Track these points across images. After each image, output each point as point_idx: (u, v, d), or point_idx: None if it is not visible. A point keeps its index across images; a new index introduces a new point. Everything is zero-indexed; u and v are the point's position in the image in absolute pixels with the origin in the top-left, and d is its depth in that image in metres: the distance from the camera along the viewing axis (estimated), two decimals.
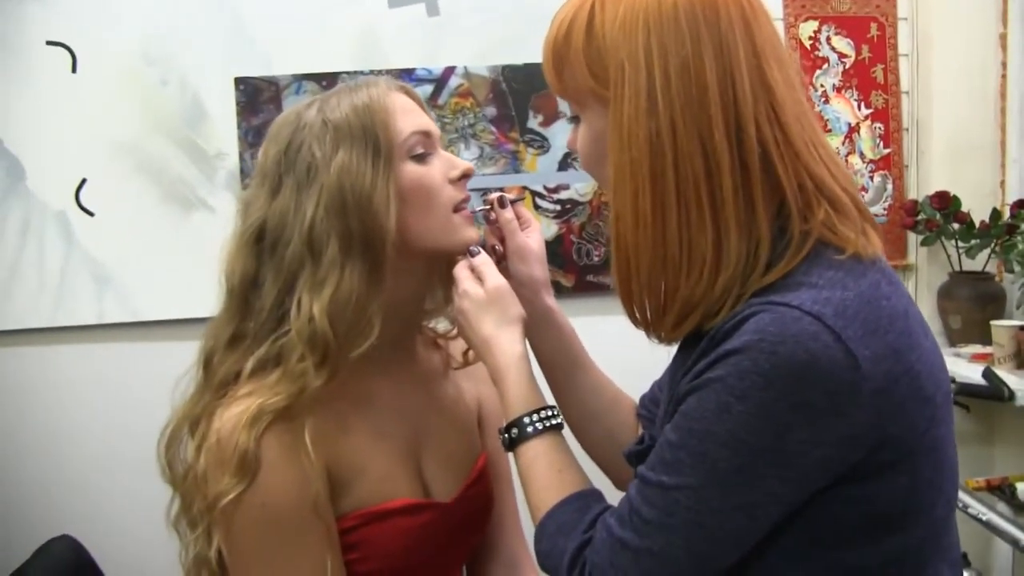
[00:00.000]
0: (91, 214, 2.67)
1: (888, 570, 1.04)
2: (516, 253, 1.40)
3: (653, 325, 1.13)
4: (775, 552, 1.04)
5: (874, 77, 2.98)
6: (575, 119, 1.19)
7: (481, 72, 2.80)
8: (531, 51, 2.77)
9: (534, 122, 2.83)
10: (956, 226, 2.83)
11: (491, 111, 2.82)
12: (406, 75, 2.73)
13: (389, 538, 1.33)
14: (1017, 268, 2.60)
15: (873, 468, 0.99)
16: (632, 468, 1.25)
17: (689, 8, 1.03)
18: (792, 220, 1.05)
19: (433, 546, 1.39)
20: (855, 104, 2.95)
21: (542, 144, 2.84)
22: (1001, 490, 2.36)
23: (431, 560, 1.40)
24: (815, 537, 1.03)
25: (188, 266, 2.67)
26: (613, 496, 1.24)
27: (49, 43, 2.64)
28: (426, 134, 1.36)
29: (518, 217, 1.43)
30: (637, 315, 1.14)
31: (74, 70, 2.65)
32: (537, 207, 2.83)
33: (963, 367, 2.59)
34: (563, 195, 2.84)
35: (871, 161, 2.96)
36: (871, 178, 2.96)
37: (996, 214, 2.79)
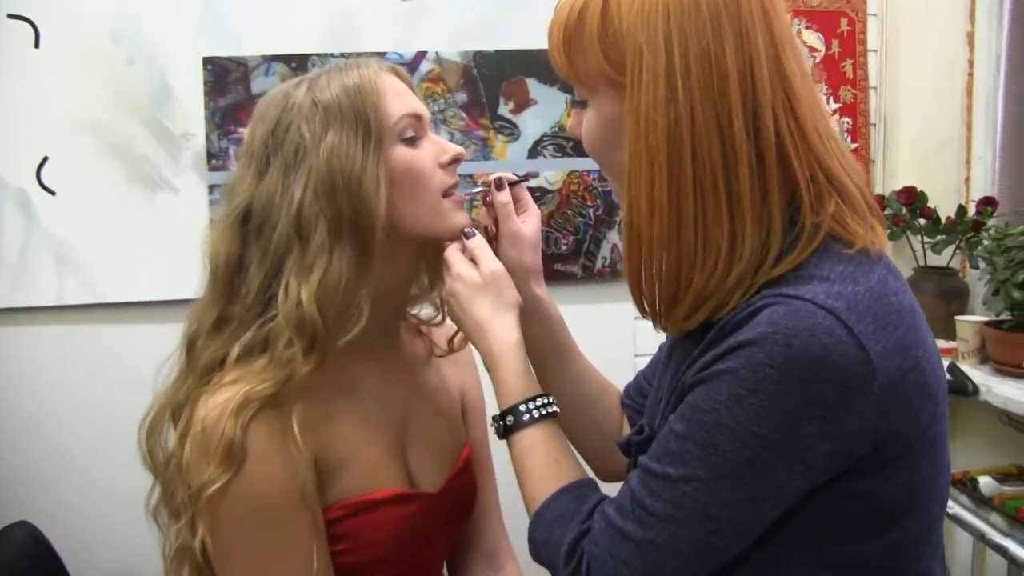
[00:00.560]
0: (52, 193, 2.61)
1: (884, 564, 1.04)
2: (507, 238, 1.37)
3: (664, 315, 1.11)
4: (775, 544, 1.03)
5: (843, 72, 2.99)
6: (581, 103, 1.17)
7: (452, 58, 2.78)
8: (503, 38, 2.78)
9: (505, 109, 2.81)
10: (922, 222, 2.85)
11: (462, 97, 2.79)
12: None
13: (376, 529, 1.31)
14: (982, 264, 2.62)
15: (877, 463, 0.99)
16: (627, 458, 1.24)
17: None
18: (802, 212, 1.04)
19: (420, 537, 1.37)
20: (824, 98, 2.96)
21: (512, 131, 2.82)
22: (963, 483, 2.38)
23: (417, 551, 1.38)
24: (815, 530, 1.03)
25: (152, 247, 2.66)
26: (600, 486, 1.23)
27: (11, 16, 2.57)
28: (417, 117, 1.33)
29: (518, 200, 1.41)
30: (647, 305, 1.12)
31: (37, 45, 2.58)
32: None
33: None
34: (532, 183, 2.82)
35: None
36: None
37: (962, 210, 2.81)
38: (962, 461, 2.52)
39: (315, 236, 1.25)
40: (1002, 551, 2.01)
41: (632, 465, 1.19)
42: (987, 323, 2.58)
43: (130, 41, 2.62)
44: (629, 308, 2.78)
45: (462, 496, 1.50)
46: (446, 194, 1.34)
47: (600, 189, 2.85)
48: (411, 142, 1.32)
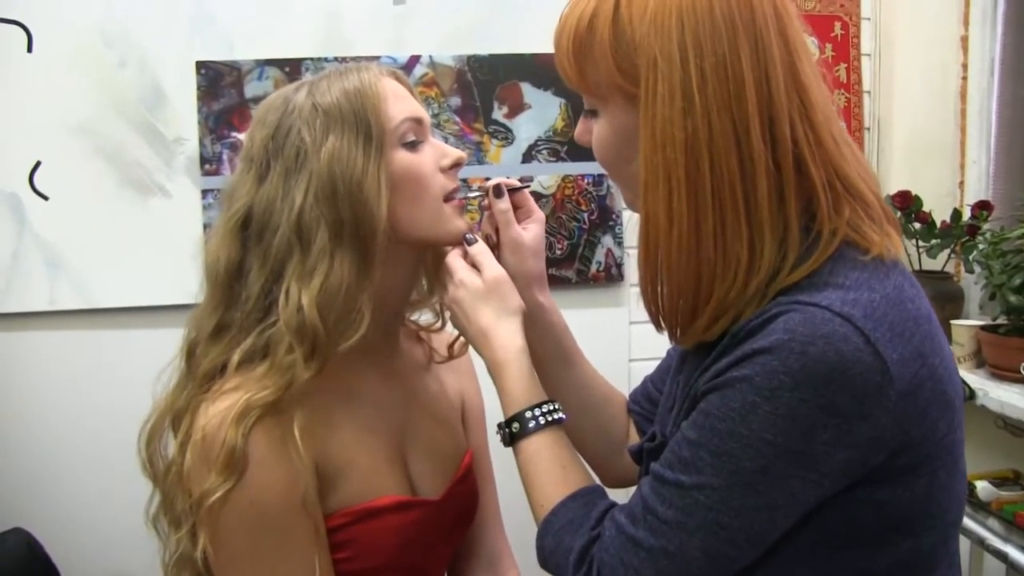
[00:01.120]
0: (45, 198, 2.59)
1: (898, 573, 1.03)
2: (508, 245, 1.36)
3: (682, 328, 1.09)
4: (788, 552, 1.03)
5: (837, 76, 2.99)
6: (591, 112, 1.15)
7: (446, 62, 2.77)
8: (497, 41, 2.76)
9: (499, 113, 2.80)
10: (917, 226, 2.84)
11: (456, 101, 2.78)
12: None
13: (379, 536, 1.30)
14: (977, 269, 2.62)
15: (893, 472, 0.99)
16: (639, 465, 1.23)
17: (724, 3, 1.01)
18: (819, 218, 1.03)
19: (422, 544, 1.37)
20: None
21: (507, 136, 2.81)
22: None
23: (419, 558, 1.37)
24: (829, 538, 1.02)
25: (144, 253, 2.64)
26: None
27: (3, 20, 2.55)
28: (418, 121, 1.33)
29: (520, 206, 1.40)
30: (664, 318, 1.11)
31: (29, 49, 2.56)
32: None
33: None
34: (530, 185, 2.81)
35: None
36: None
37: (957, 215, 2.81)
38: None
39: (316, 241, 1.24)
40: (1002, 556, 2.00)
41: (644, 472, 1.18)
42: (983, 327, 2.58)
43: (123, 45, 2.60)
44: (624, 312, 2.82)
45: (464, 503, 1.49)
46: (447, 198, 1.33)
47: (595, 194, 2.84)
48: (412, 146, 1.31)
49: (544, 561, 1.18)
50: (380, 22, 2.74)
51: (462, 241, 1.34)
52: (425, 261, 1.43)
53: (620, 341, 2.87)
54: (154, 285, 2.63)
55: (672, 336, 1.12)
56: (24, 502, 2.56)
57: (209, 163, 2.65)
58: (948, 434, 1.01)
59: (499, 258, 1.35)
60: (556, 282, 2.83)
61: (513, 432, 1.23)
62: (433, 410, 1.50)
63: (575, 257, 2.86)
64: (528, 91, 2.80)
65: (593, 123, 1.15)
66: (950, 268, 2.90)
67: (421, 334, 1.57)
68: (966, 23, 2.96)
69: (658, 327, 1.13)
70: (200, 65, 2.64)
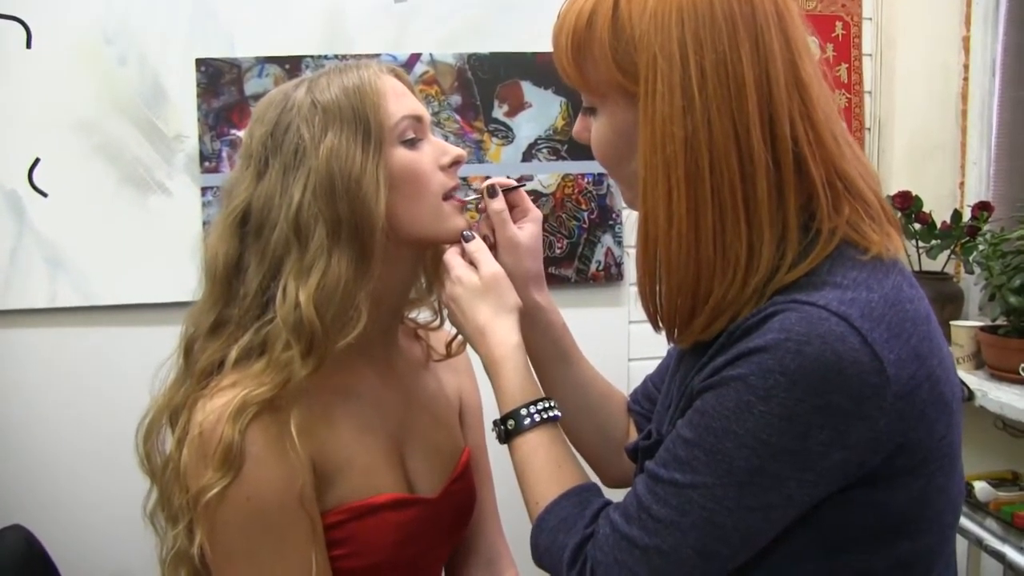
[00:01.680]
0: (44, 195, 2.58)
1: (894, 575, 1.02)
2: (504, 246, 1.35)
3: (680, 327, 1.09)
4: (783, 553, 1.02)
5: (838, 76, 2.99)
6: (590, 110, 1.15)
7: (447, 60, 2.76)
8: (498, 40, 2.76)
9: (499, 112, 2.80)
10: (917, 226, 2.84)
11: (456, 99, 2.78)
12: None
13: (376, 534, 1.30)
14: (977, 269, 2.62)
15: (889, 473, 0.98)
16: (634, 463, 1.23)
17: (725, 0, 1.00)
18: (818, 218, 1.03)
19: (419, 542, 1.37)
20: None
21: (507, 134, 2.80)
22: None
23: (416, 556, 1.37)
24: (824, 539, 1.01)
25: (144, 250, 2.63)
26: (605, 492, 1.22)
27: (3, 16, 2.53)
28: (417, 119, 1.32)
29: (516, 206, 1.39)
30: (662, 317, 1.11)
31: (28, 45, 2.55)
32: None
33: None
34: (527, 186, 2.81)
35: None
36: None
37: (957, 215, 2.81)
38: None
39: (314, 238, 1.24)
40: (1000, 557, 2.01)
41: (639, 470, 1.17)
42: (982, 328, 2.58)
43: (123, 42, 2.59)
44: (624, 312, 2.82)
45: (461, 501, 1.49)
46: (446, 197, 1.33)
47: (594, 193, 2.84)
48: (411, 144, 1.31)
49: (539, 559, 1.17)
50: (381, 20, 2.73)
51: (460, 238, 1.33)
52: (424, 259, 1.43)
53: (620, 340, 2.87)
54: (153, 282, 2.62)
55: (670, 336, 1.12)
56: (22, 499, 2.55)
57: (209, 160, 2.65)
58: (945, 436, 1.01)
59: (496, 258, 1.34)
60: (556, 281, 2.83)
61: (508, 429, 1.22)
62: (431, 408, 1.50)
63: (575, 256, 2.85)
64: (528, 90, 2.79)
65: (592, 121, 1.15)
66: (950, 269, 2.90)
67: (419, 332, 1.56)
68: (967, 24, 2.96)
69: (656, 327, 1.13)
70: (200, 62, 2.63)
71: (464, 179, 1.37)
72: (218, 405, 1.20)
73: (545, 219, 2.82)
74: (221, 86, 2.64)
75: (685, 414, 1.03)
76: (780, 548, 1.02)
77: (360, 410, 1.35)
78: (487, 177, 1.41)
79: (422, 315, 1.55)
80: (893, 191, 2.90)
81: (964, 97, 2.98)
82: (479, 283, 1.28)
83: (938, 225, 2.83)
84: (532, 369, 1.29)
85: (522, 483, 1.21)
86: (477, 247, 1.32)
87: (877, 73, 3.03)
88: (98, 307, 2.64)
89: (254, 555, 1.21)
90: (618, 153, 1.12)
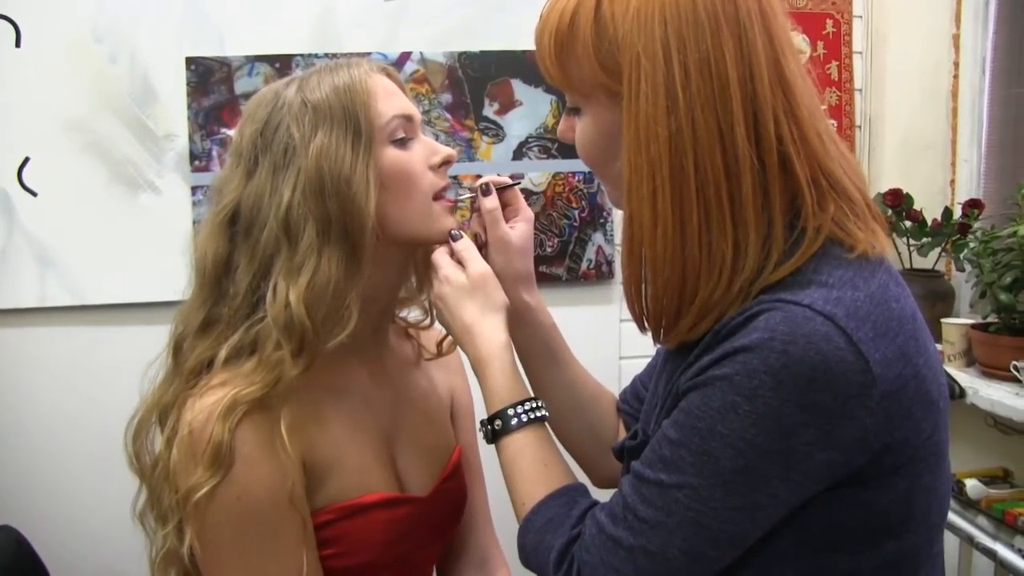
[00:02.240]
0: (34, 194, 2.58)
1: (881, 574, 1.02)
2: (495, 245, 1.35)
3: (666, 327, 1.08)
4: (769, 553, 1.02)
5: (828, 74, 2.99)
6: (574, 110, 1.14)
7: (437, 58, 2.76)
8: (488, 38, 2.76)
9: (490, 110, 2.80)
10: (908, 224, 2.85)
11: (447, 98, 2.78)
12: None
13: (366, 533, 1.29)
14: (968, 267, 2.62)
15: (875, 473, 0.98)
16: (620, 463, 1.23)
17: None
18: (803, 216, 1.02)
19: (410, 541, 1.36)
20: None
21: (497, 133, 2.80)
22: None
23: (407, 556, 1.37)
24: (811, 539, 1.01)
25: (134, 249, 2.63)
26: (594, 492, 1.22)
27: None
28: (408, 118, 1.32)
29: (509, 205, 1.39)
30: (648, 318, 1.10)
31: (18, 44, 2.56)
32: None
33: None
34: (520, 183, 2.81)
35: None
36: None
37: (948, 213, 2.81)
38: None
39: (304, 237, 1.24)
40: (991, 554, 2.01)
41: (625, 470, 1.17)
42: (973, 326, 2.58)
43: (113, 40, 2.60)
44: (614, 310, 2.82)
45: (452, 500, 1.48)
46: (436, 196, 1.33)
47: (585, 191, 2.84)
48: (401, 143, 1.31)
49: (525, 560, 1.17)
50: (371, 18, 2.74)
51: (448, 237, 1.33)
52: (415, 258, 1.43)
53: (610, 339, 2.87)
54: (144, 281, 2.62)
55: (656, 336, 1.11)
56: (12, 499, 2.55)
57: (199, 159, 2.65)
58: (932, 435, 1.01)
59: (486, 257, 1.33)
60: (546, 279, 2.83)
61: (495, 429, 1.22)
62: (422, 407, 1.49)
63: (565, 254, 2.86)
64: (519, 88, 2.80)
65: (576, 121, 1.14)
66: (941, 266, 2.91)
67: (410, 331, 1.56)
68: (958, 21, 2.96)
69: (642, 327, 1.12)
70: (190, 61, 2.64)
71: (455, 177, 1.37)
72: (208, 404, 1.19)
73: (536, 217, 2.81)
74: (211, 85, 2.64)
75: (671, 414, 1.03)
76: (766, 548, 1.01)
77: (351, 409, 1.35)
78: (478, 176, 1.41)
79: (413, 314, 1.55)
80: (884, 189, 2.90)
81: (955, 95, 2.98)
82: (466, 282, 1.28)
83: (929, 223, 2.83)
84: (520, 368, 1.28)
85: (509, 483, 1.21)
86: (465, 246, 1.31)
87: (868, 71, 3.04)
88: (88, 306, 2.65)
89: (244, 554, 1.21)
90: (603, 153, 1.12)
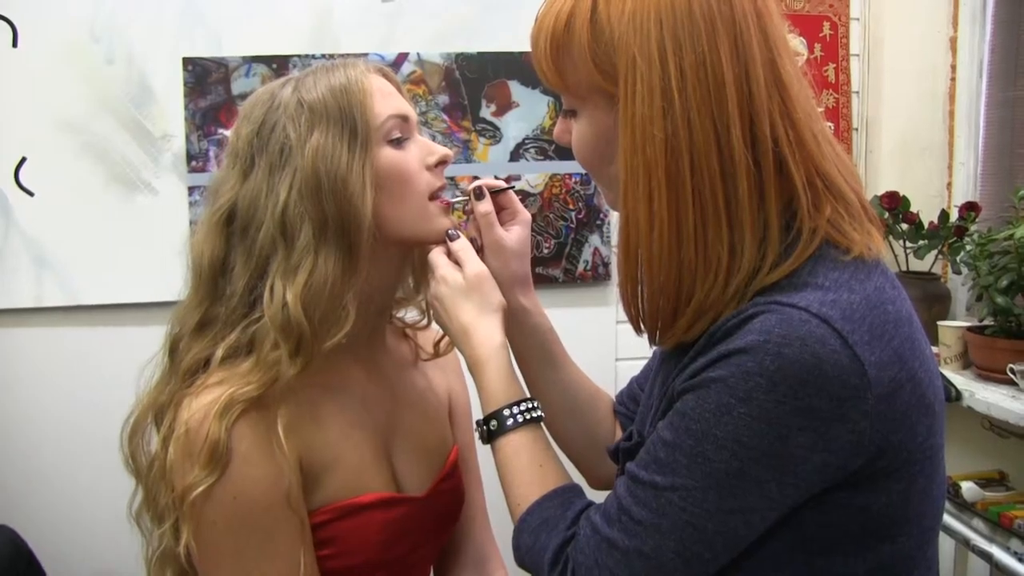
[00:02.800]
0: (31, 194, 2.58)
1: None
2: (491, 248, 1.34)
3: (662, 329, 1.08)
4: (763, 556, 1.02)
5: (826, 76, 2.99)
6: (570, 112, 1.14)
7: (434, 59, 2.76)
8: (485, 39, 2.76)
9: (487, 111, 2.80)
10: (905, 226, 2.85)
11: (444, 99, 2.78)
12: None
13: (363, 533, 1.29)
14: (964, 270, 2.63)
15: (870, 475, 0.98)
16: (616, 464, 1.23)
17: (703, 0, 1.00)
18: (799, 218, 1.02)
19: (407, 541, 1.36)
20: None
21: (494, 134, 2.80)
22: (946, 489, 2.38)
23: (404, 556, 1.37)
24: (804, 542, 1.01)
25: (131, 250, 2.63)
26: (590, 493, 1.22)
27: None
28: (404, 118, 1.32)
29: (504, 207, 1.38)
30: (644, 320, 1.10)
31: (15, 44, 2.55)
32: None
33: None
34: (515, 187, 2.80)
35: None
36: None
37: (944, 215, 2.81)
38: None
39: (300, 237, 1.24)
40: (987, 557, 2.01)
41: (620, 472, 1.17)
42: (969, 328, 2.58)
43: (110, 41, 2.59)
44: (611, 312, 2.82)
45: (449, 500, 1.48)
46: (432, 197, 1.33)
47: (582, 193, 2.84)
48: (397, 143, 1.30)
49: (520, 560, 1.17)
50: (368, 19, 2.73)
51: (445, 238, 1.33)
52: (412, 259, 1.43)
53: (607, 340, 2.87)
54: (140, 282, 2.62)
55: (652, 338, 1.11)
56: (8, 499, 2.55)
57: (196, 160, 2.64)
58: (928, 438, 1.01)
59: (483, 260, 1.33)
60: (543, 281, 2.83)
61: (491, 430, 1.22)
62: (419, 407, 1.49)
63: (562, 256, 2.85)
64: (516, 89, 2.79)
65: (572, 123, 1.14)
66: (937, 269, 2.91)
67: (407, 332, 1.56)
68: (955, 24, 2.97)
69: (637, 329, 1.12)
70: (187, 61, 2.63)
71: (451, 179, 1.37)
72: (204, 403, 1.19)
73: (533, 219, 2.81)
74: (208, 85, 2.64)
75: (666, 416, 1.03)
76: (761, 551, 1.01)
77: (348, 409, 1.35)
78: (475, 177, 1.40)
79: (410, 314, 1.55)
80: (881, 191, 2.91)
81: (952, 97, 2.99)
82: (463, 282, 1.28)
83: (925, 225, 2.83)
84: (516, 369, 1.28)
85: (504, 484, 1.20)
86: (462, 246, 1.31)
87: (865, 73, 3.04)
88: (84, 307, 2.64)
89: (241, 554, 1.20)
90: (599, 155, 1.12)
